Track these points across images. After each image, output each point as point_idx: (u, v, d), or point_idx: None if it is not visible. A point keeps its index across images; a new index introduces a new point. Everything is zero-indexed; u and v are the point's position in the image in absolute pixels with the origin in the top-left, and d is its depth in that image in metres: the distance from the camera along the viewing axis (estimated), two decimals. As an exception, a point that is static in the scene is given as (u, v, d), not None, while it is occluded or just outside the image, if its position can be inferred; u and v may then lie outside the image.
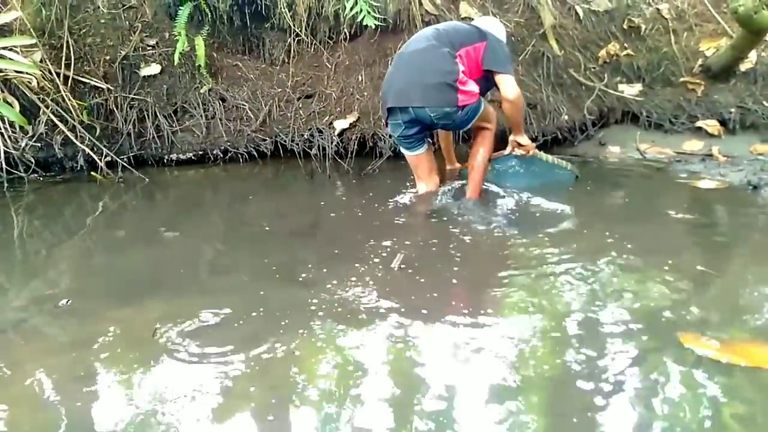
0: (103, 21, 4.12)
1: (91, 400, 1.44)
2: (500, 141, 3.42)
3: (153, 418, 1.36)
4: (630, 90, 4.37)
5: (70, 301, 1.99)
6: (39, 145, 3.86)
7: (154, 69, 4.11)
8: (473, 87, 2.77)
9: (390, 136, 3.82)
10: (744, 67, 4.30)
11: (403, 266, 2.20)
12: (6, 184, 3.65)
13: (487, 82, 2.91)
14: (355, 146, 4.09)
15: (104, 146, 3.90)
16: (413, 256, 2.32)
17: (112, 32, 4.13)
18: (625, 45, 4.46)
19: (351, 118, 4.13)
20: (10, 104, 3.57)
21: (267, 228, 2.81)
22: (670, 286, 2.00)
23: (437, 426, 1.31)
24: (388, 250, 2.38)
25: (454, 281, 2.13)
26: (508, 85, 2.82)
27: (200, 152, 4.18)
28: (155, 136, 4.09)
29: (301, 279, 2.14)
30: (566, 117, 4.24)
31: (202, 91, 4.17)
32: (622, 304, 1.87)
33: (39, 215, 3.21)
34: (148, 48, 4.17)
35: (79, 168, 3.96)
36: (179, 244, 2.66)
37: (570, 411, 1.35)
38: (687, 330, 1.68)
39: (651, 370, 1.49)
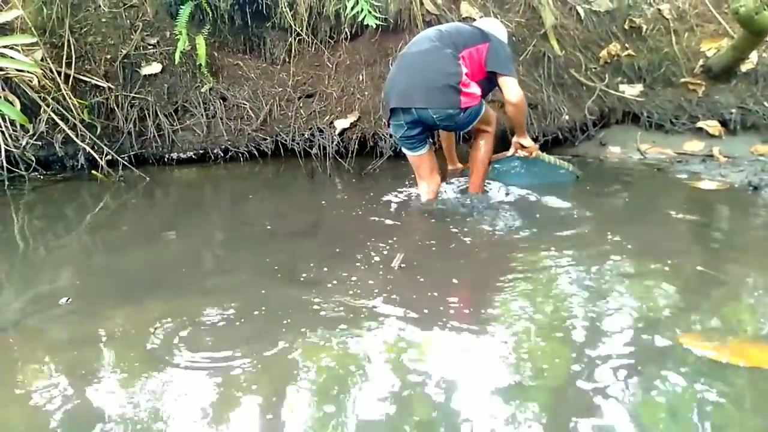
0: (104, 20, 4.12)
1: (91, 398, 1.44)
2: (501, 142, 3.43)
3: (153, 417, 1.36)
4: (631, 90, 4.37)
5: (70, 300, 1.99)
6: (40, 143, 3.87)
7: (155, 68, 4.12)
8: (475, 89, 2.78)
9: (390, 136, 3.83)
10: (745, 67, 4.30)
11: (403, 265, 2.20)
12: (7, 183, 3.65)
13: (489, 83, 2.92)
14: (356, 146, 4.09)
15: (105, 145, 3.90)
16: (413, 255, 2.32)
17: (113, 31, 4.13)
18: (626, 45, 4.46)
19: (352, 118, 4.13)
20: (11, 103, 3.57)
21: (268, 227, 2.81)
22: (671, 286, 2.00)
23: (438, 425, 1.31)
24: (389, 249, 2.38)
25: (455, 281, 2.13)
26: (510, 88, 2.82)
27: (201, 151, 4.18)
28: (156, 134, 4.10)
29: (302, 278, 2.14)
30: (567, 117, 4.25)
31: (202, 90, 4.17)
32: (622, 304, 1.87)
33: (39, 214, 3.21)
34: (149, 47, 4.17)
35: (79, 167, 3.96)
36: (180, 244, 2.66)
37: (570, 411, 1.35)
38: (687, 330, 1.68)
39: (651, 370, 1.49)
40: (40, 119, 3.80)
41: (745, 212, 3.00)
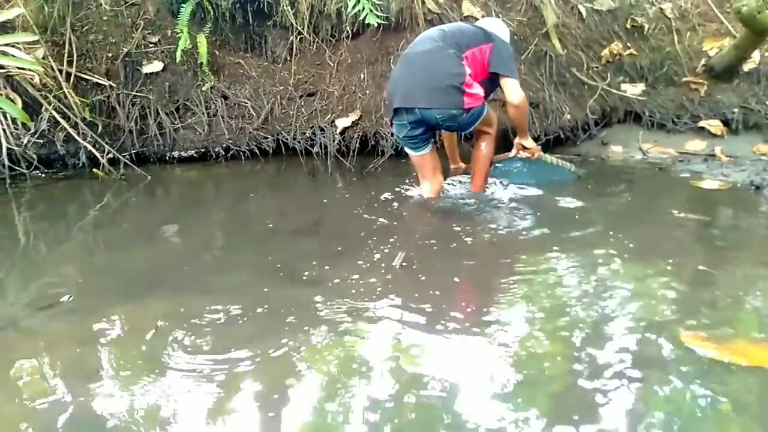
0: (105, 18, 4.12)
1: (93, 397, 1.44)
2: (503, 143, 3.43)
3: (155, 416, 1.36)
4: (633, 89, 4.37)
5: (71, 298, 1.99)
6: (41, 141, 3.86)
7: (156, 66, 4.12)
8: (479, 90, 2.78)
9: (392, 135, 3.82)
10: (747, 67, 4.29)
11: (404, 264, 2.20)
12: (8, 181, 3.64)
13: (492, 83, 2.92)
14: (357, 144, 4.09)
15: (106, 143, 3.90)
16: (415, 254, 2.32)
17: (114, 29, 4.13)
18: (628, 44, 4.45)
19: (353, 117, 4.13)
20: (13, 101, 3.57)
21: (269, 226, 2.81)
22: (672, 285, 2.00)
23: (439, 424, 1.31)
24: (390, 248, 2.38)
25: (456, 279, 2.14)
26: (512, 89, 2.82)
27: (202, 150, 4.18)
28: (157, 133, 4.10)
29: (303, 277, 2.14)
30: (569, 116, 4.24)
31: (204, 88, 4.17)
32: (623, 303, 1.87)
33: (41, 212, 3.22)
34: (151, 45, 4.17)
35: (81, 165, 3.96)
36: (181, 242, 2.66)
37: (571, 410, 1.35)
38: (688, 330, 1.68)
39: (652, 369, 1.49)
40: (41, 117, 3.80)
41: (747, 212, 2.99)
